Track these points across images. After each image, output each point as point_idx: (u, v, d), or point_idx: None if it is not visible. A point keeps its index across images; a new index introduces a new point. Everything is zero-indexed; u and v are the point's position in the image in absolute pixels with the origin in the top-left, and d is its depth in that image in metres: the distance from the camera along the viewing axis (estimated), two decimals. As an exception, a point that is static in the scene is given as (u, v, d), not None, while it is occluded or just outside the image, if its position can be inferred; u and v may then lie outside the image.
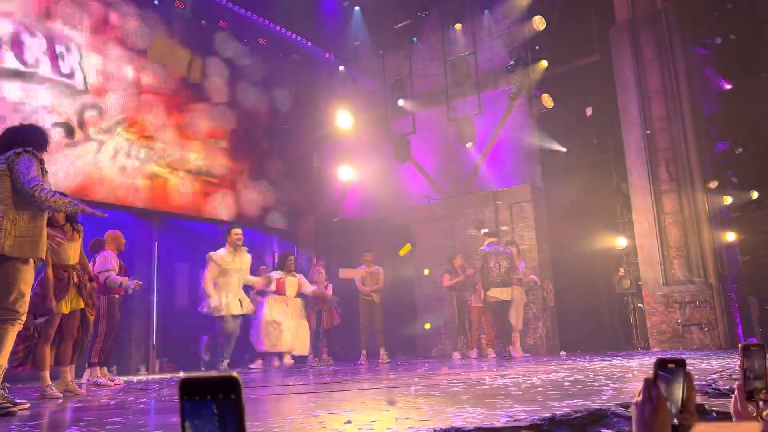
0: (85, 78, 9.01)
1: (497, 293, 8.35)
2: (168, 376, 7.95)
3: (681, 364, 1.05)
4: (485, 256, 8.47)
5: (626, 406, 2.53)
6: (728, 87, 9.49)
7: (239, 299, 7.64)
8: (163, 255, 9.66)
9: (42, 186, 3.74)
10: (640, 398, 1.01)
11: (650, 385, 1.02)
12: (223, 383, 0.61)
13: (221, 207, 10.62)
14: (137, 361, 9.05)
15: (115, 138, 9.22)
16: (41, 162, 3.90)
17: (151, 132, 9.71)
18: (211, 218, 10.49)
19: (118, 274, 6.41)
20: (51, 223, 4.64)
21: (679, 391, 1.04)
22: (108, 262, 6.43)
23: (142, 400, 4.27)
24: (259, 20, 11.72)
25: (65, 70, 8.75)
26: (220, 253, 7.65)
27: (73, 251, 5.23)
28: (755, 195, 8.80)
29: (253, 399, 3.87)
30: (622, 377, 4.13)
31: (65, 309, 5.11)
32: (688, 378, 1.04)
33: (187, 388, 0.62)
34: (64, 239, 4.95)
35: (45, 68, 8.39)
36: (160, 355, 9.37)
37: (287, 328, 8.14)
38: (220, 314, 7.49)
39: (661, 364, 1.06)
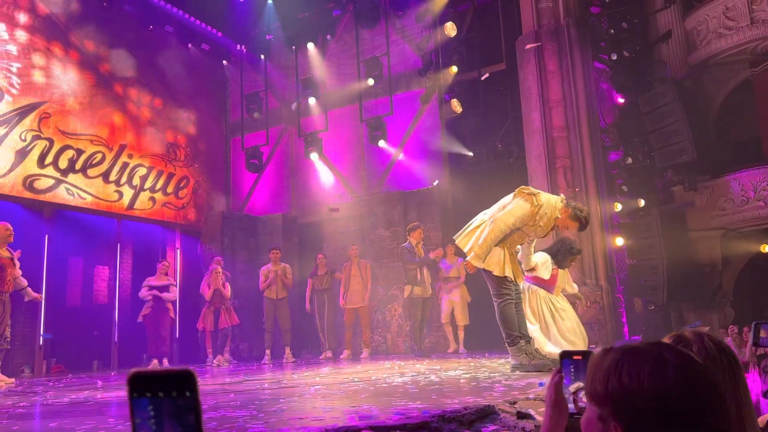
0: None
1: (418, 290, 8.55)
2: (55, 378, 7.47)
3: (587, 356, 1.13)
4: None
5: (514, 402, 2.64)
6: (621, 101, 10.13)
7: None
8: (53, 249, 9.07)
9: None
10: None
11: (553, 374, 1.14)
12: (177, 378, 0.55)
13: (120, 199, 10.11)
14: (20, 361, 8.44)
15: (15, 131, 8.48)
16: None
17: (51, 122, 9.10)
18: (107, 211, 9.96)
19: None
20: None
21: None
22: None
23: (21, 404, 3.99)
24: (167, 7, 11.24)
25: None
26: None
27: None
28: (642, 203, 9.43)
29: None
30: (516, 375, 4.31)
31: None
32: None
33: (138, 383, 0.55)
34: None
35: None
36: (47, 356, 8.79)
37: None
38: None
39: (566, 356, 1.17)
